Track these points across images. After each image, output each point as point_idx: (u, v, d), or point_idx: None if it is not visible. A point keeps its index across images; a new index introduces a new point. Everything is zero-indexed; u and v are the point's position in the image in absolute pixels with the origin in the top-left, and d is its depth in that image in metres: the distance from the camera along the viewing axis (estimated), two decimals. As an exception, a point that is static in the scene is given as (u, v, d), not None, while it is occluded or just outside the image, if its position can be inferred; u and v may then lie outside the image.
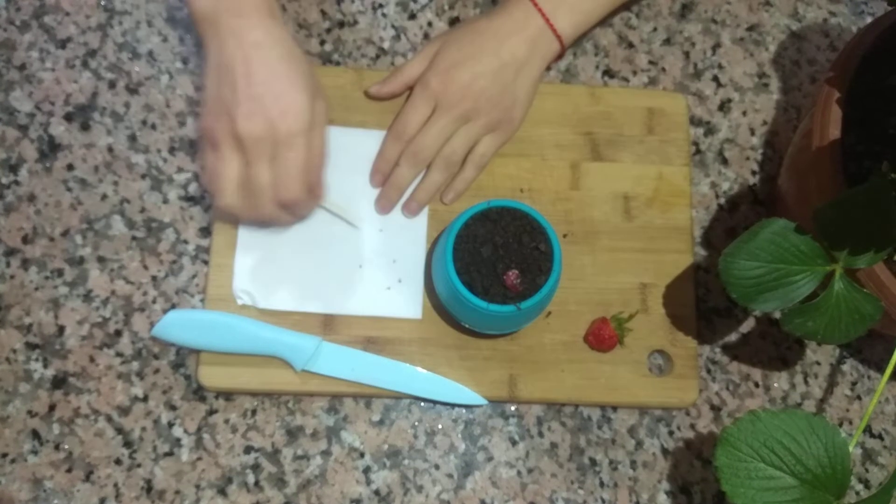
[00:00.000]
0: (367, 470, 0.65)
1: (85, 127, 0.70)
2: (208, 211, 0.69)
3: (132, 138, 0.70)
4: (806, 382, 0.70)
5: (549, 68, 0.71)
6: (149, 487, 0.63)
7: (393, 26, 0.75)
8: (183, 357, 0.66)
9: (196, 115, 0.71)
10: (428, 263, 0.67)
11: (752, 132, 0.75)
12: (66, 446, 0.63)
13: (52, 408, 0.64)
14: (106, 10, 0.73)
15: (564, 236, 0.69)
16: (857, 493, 0.68)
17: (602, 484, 0.66)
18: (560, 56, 0.70)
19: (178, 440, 0.64)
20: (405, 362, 0.65)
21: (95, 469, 0.63)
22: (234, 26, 0.58)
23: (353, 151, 0.69)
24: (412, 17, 0.76)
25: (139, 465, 0.63)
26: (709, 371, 0.69)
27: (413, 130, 0.67)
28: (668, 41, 0.77)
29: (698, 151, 0.74)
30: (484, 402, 0.65)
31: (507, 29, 0.67)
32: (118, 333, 0.66)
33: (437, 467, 0.65)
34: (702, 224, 0.73)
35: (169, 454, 0.64)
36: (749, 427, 0.54)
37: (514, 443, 0.66)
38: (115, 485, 0.63)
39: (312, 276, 0.67)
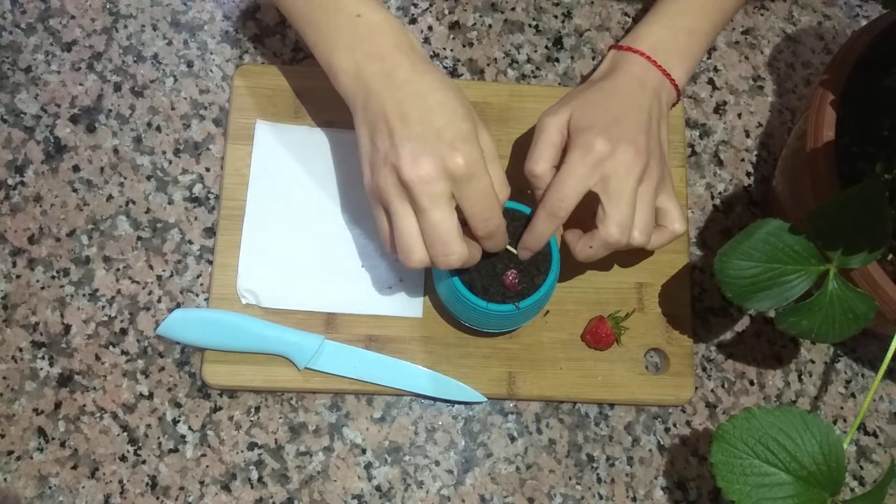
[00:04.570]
0: (368, 466, 0.65)
1: (91, 129, 0.71)
2: (212, 212, 0.70)
3: (137, 140, 0.71)
4: (800, 380, 0.71)
5: None
6: (153, 484, 0.64)
7: (394, 29, 0.76)
8: (187, 355, 0.67)
9: (201, 117, 0.72)
10: (428, 263, 0.68)
11: (747, 134, 0.76)
12: (72, 443, 0.64)
13: (57, 405, 0.65)
14: (111, 13, 0.73)
15: (562, 236, 0.70)
16: (852, 490, 0.69)
17: (599, 480, 0.67)
18: (676, 103, 0.67)
19: (183, 437, 0.65)
20: (406, 360, 0.66)
21: (101, 466, 0.64)
22: (377, 71, 0.55)
23: (355, 153, 0.70)
24: (413, 21, 0.76)
25: (144, 462, 0.64)
26: (704, 369, 0.70)
27: (573, 203, 0.58)
28: (665, 44, 0.78)
29: (694, 153, 0.75)
30: (483, 399, 0.66)
31: (634, 85, 0.63)
32: (124, 332, 0.67)
33: (437, 463, 0.66)
34: (697, 224, 0.73)
35: (173, 451, 0.65)
36: (744, 424, 0.55)
37: (512, 439, 0.67)
38: (121, 481, 0.64)
39: (315, 275, 0.67)
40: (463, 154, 0.52)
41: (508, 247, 0.60)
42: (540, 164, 0.60)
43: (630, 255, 0.69)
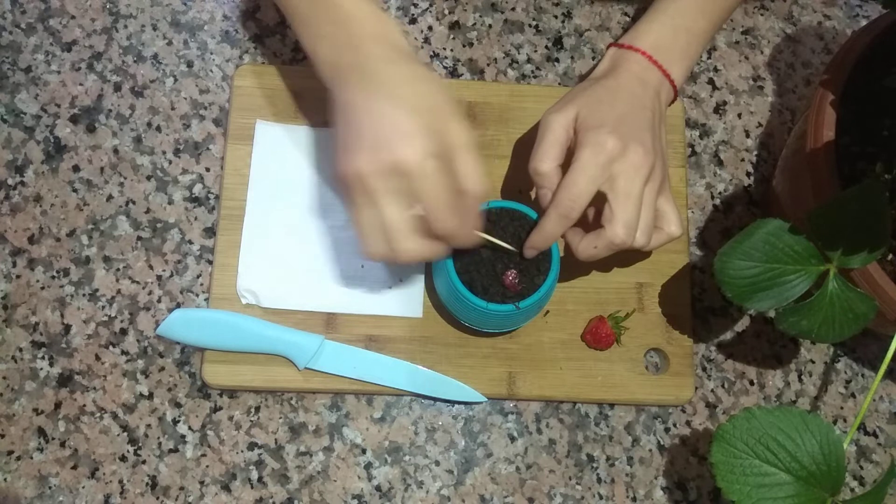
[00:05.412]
0: (368, 466, 0.65)
1: (91, 129, 0.71)
2: (212, 212, 0.70)
3: (137, 140, 0.71)
4: (800, 380, 0.71)
5: None
6: (153, 484, 0.64)
7: (394, 30, 0.76)
8: (188, 355, 0.67)
9: (201, 117, 0.72)
10: (428, 263, 0.68)
11: (748, 134, 0.76)
12: (72, 443, 0.64)
13: (57, 405, 0.65)
14: (111, 13, 0.74)
15: (562, 236, 0.70)
16: (852, 490, 0.69)
17: (599, 480, 0.67)
18: (672, 102, 0.67)
19: (183, 437, 0.65)
20: (406, 360, 0.66)
21: (101, 466, 0.64)
22: (351, 62, 0.55)
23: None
24: (413, 21, 0.76)
25: (144, 462, 0.64)
26: (704, 369, 0.70)
27: (585, 203, 0.58)
28: (665, 44, 0.78)
29: (694, 153, 0.75)
30: (483, 399, 0.66)
31: (636, 84, 0.63)
32: (123, 332, 0.67)
33: (437, 463, 0.66)
34: (697, 225, 0.74)
35: (174, 451, 0.65)
36: (744, 424, 0.55)
37: (512, 439, 0.67)
38: (121, 481, 0.64)
39: (315, 275, 0.67)
40: (411, 150, 0.51)
41: (508, 246, 0.60)
42: (546, 162, 0.60)
43: (626, 256, 0.69)
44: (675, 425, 0.68)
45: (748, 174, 0.75)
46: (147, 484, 0.64)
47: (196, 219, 0.69)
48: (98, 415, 0.65)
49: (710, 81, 0.77)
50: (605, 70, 0.66)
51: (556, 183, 0.59)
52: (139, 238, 0.69)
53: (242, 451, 0.65)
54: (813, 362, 0.71)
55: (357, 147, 0.52)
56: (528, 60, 0.76)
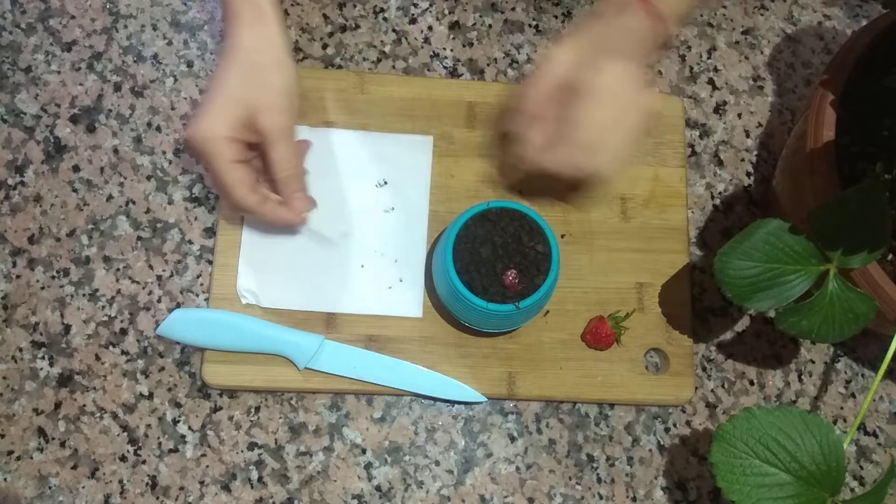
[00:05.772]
0: (368, 466, 0.65)
1: (91, 129, 0.71)
2: (213, 212, 0.70)
3: (137, 140, 0.71)
4: (800, 380, 0.71)
5: None
6: (153, 484, 0.64)
7: (394, 30, 0.76)
8: (188, 355, 0.67)
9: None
10: (428, 263, 0.68)
11: (747, 134, 0.76)
12: (72, 443, 0.64)
13: (57, 405, 0.65)
14: (111, 13, 0.74)
15: (562, 237, 0.70)
16: (852, 490, 0.69)
17: (599, 480, 0.67)
18: (664, 46, 0.66)
19: (183, 437, 0.65)
20: (406, 360, 0.66)
21: (101, 466, 0.64)
22: (230, 35, 0.59)
23: (354, 153, 0.70)
24: (413, 21, 0.76)
25: (144, 462, 0.64)
26: (704, 369, 0.70)
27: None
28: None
29: (694, 153, 0.75)
30: (483, 399, 0.66)
31: (633, 23, 0.62)
32: (123, 332, 0.67)
33: (437, 463, 0.66)
34: (697, 225, 0.74)
35: (174, 451, 0.65)
36: (744, 424, 0.55)
37: (512, 439, 0.67)
38: (121, 481, 0.64)
39: (315, 275, 0.67)
40: (192, 130, 0.57)
41: (507, 245, 0.60)
42: (536, 89, 0.61)
43: (628, 251, 0.69)
44: (675, 425, 0.68)
45: (748, 174, 0.75)
46: (147, 484, 0.64)
47: (196, 219, 0.69)
48: (98, 415, 0.65)
49: (710, 81, 0.77)
50: (610, 8, 0.62)
51: (538, 110, 0.61)
52: (139, 238, 0.69)
53: (242, 451, 0.65)
54: (813, 362, 0.71)
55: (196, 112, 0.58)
56: (528, 60, 0.76)
